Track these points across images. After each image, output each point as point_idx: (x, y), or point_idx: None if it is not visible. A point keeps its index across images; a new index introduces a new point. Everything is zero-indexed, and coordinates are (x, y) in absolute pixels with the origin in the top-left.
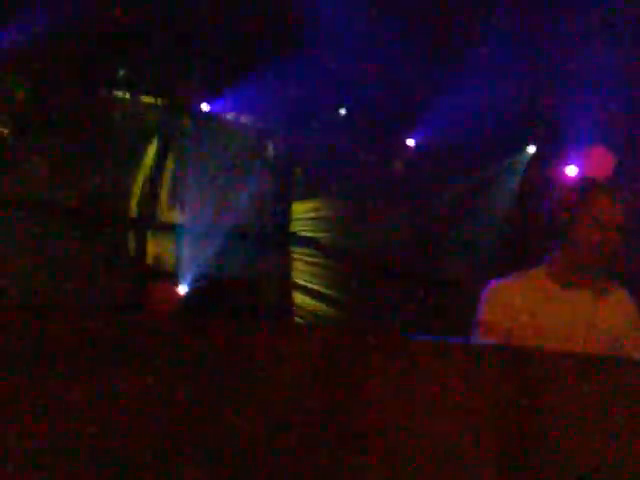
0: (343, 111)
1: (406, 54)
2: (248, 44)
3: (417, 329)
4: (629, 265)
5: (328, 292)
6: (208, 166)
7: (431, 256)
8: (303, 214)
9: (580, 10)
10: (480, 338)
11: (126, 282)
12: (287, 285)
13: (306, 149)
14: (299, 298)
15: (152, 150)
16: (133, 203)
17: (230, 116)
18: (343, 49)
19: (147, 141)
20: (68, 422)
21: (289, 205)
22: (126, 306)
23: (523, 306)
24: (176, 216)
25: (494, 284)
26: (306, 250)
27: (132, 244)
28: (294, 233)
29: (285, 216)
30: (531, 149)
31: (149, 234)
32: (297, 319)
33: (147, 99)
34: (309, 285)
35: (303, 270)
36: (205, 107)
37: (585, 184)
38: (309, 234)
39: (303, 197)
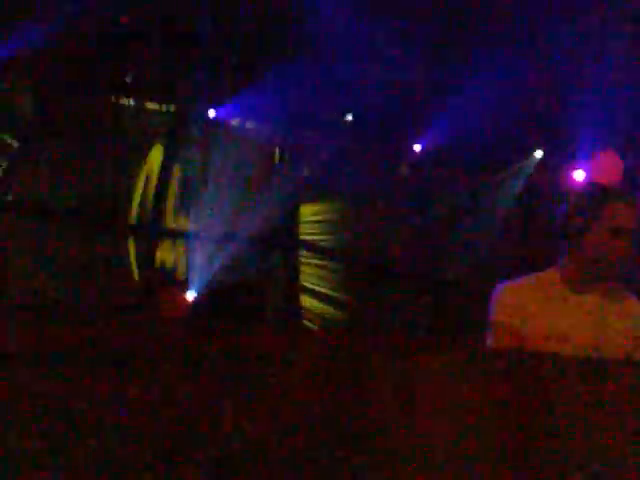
0: (350, 117)
1: (413, 59)
2: (254, 50)
3: (421, 330)
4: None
5: (335, 295)
6: (215, 172)
7: (437, 259)
8: (310, 217)
9: (588, 16)
10: (492, 339)
11: (134, 287)
12: (295, 288)
13: (312, 154)
14: (307, 301)
15: (159, 157)
16: (140, 210)
17: (236, 122)
18: (350, 55)
19: (153, 148)
20: (69, 423)
21: (296, 209)
22: (131, 309)
23: (535, 308)
24: (184, 223)
25: (505, 285)
26: (313, 253)
27: (140, 250)
28: (301, 238)
29: (292, 220)
30: (538, 154)
31: (157, 241)
32: (305, 322)
33: (152, 105)
34: (316, 288)
35: (310, 273)
36: (212, 113)
37: (598, 189)
38: (315, 237)
39: (309, 200)
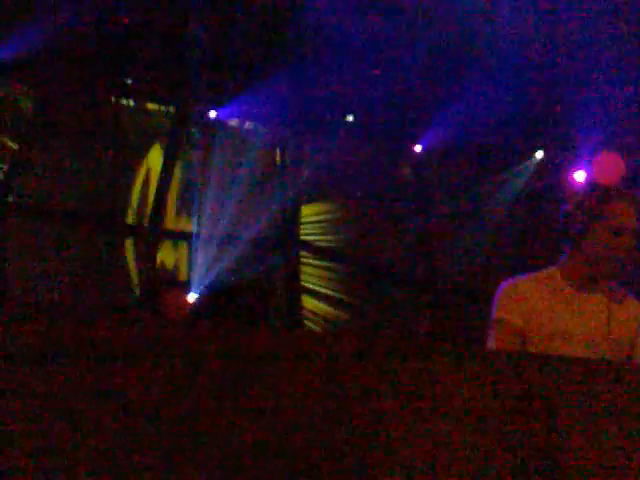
0: (351, 117)
1: (414, 60)
2: (255, 51)
3: (422, 331)
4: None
5: (337, 295)
6: (216, 173)
7: (438, 260)
8: (311, 218)
9: (590, 16)
10: (495, 337)
11: (134, 288)
12: (296, 289)
13: (313, 155)
14: (308, 302)
15: (158, 157)
16: (139, 210)
17: (237, 123)
18: (350, 55)
19: (152, 148)
20: (69, 423)
21: (298, 210)
22: (132, 309)
23: (540, 305)
24: (184, 224)
25: (509, 282)
26: (314, 254)
27: (141, 251)
28: (302, 238)
29: (294, 221)
30: (539, 155)
31: (158, 242)
32: (306, 322)
33: (153, 106)
34: (318, 289)
35: (312, 274)
36: (212, 114)
37: (600, 189)
38: (316, 238)
39: (310, 201)
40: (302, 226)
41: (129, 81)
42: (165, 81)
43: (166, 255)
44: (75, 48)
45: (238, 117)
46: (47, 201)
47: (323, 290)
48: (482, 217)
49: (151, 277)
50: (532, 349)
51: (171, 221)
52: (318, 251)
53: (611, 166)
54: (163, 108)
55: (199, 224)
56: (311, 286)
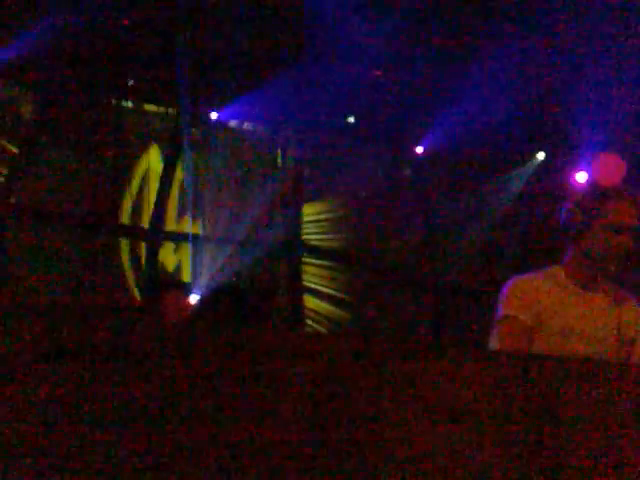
0: (352, 118)
1: (415, 62)
2: (256, 53)
3: (423, 330)
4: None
5: (339, 295)
6: (217, 174)
7: (440, 260)
8: (312, 218)
9: (590, 18)
10: (502, 334)
11: (134, 288)
12: (298, 289)
13: (314, 156)
14: (310, 302)
15: (157, 158)
16: (136, 211)
17: (238, 124)
18: (351, 56)
19: (151, 149)
20: (69, 423)
21: (299, 211)
22: (132, 310)
23: (549, 302)
24: (185, 225)
25: (516, 279)
26: (316, 254)
27: (142, 252)
28: (304, 239)
29: (296, 222)
30: (540, 156)
31: (159, 243)
32: (309, 322)
33: (154, 108)
34: (320, 288)
35: (314, 274)
36: (214, 116)
37: (600, 188)
38: (318, 238)
39: (312, 202)
40: (303, 226)
41: (129, 83)
42: (165, 83)
43: (167, 256)
44: (75, 50)
45: (239, 118)
46: (47, 202)
47: (325, 290)
48: (483, 218)
49: (152, 278)
50: (541, 346)
51: (172, 222)
52: (319, 251)
53: (611, 167)
54: (163, 110)
55: (200, 225)
56: (313, 286)
